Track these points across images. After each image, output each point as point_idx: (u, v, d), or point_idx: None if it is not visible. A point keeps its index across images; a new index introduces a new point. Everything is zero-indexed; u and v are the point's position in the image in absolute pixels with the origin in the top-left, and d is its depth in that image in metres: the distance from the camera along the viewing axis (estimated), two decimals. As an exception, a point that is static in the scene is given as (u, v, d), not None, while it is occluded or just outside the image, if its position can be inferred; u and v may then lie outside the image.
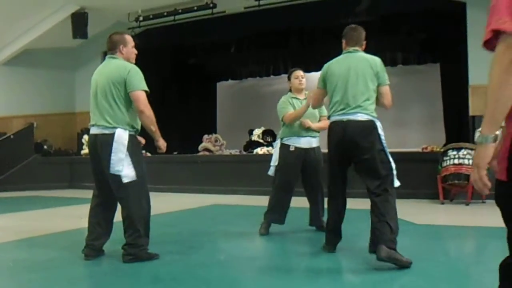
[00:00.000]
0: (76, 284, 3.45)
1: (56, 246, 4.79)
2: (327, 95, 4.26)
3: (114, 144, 3.92)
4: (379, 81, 3.99)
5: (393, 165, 3.88)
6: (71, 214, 6.97)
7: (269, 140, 11.33)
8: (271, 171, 5.29)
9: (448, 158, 7.46)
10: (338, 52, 4.31)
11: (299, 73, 5.30)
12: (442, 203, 7.52)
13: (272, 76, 14.46)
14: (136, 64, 4.15)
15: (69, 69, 14.08)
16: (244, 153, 11.22)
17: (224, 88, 16.03)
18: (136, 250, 3.98)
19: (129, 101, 3.99)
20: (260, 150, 10.59)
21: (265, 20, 11.59)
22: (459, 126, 10.22)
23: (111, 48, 4.19)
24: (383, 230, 3.63)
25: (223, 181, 9.99)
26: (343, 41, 4.22)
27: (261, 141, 11.49)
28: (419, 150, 9.26)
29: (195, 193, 9.96)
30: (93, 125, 4.09)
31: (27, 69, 13.13)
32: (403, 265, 3.57)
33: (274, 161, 5.26)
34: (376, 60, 4.05)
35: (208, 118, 15.33)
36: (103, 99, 4.02)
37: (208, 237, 5.15)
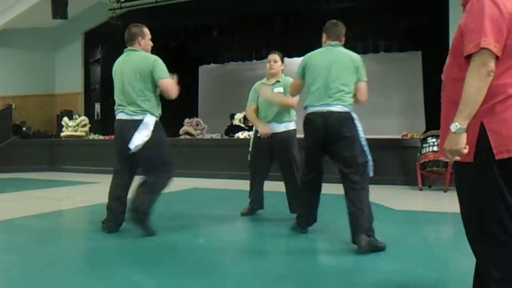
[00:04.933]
0: (53, 265, 3.43)
1: (34, 228, 4.76)
2: (305, 86, 4.31)
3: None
4: (358, 77, 4.08)
5: (370, 157, 3.98)
6: (50, 197, 6.91)
7: (250, 124, 11.30)
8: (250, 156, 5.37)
9: (427, 145, 7.54)
10: (321, 38, 4.30)
11: (271, 57, 5.21)
12: (421, 190, 7.61)
13: (254, 61, 14.40)
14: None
15: (48, 50, 13.87)
16: (225, 137, 11.21)
17: (206, 72, 15.92)
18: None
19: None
20: (241, 135, 10.58)
21: (248, 4, 11.51)
22: (439, 114, 10.28)
23: (130, 40, 4.42)
24: (361, 219, 3.72)
25: (204, 165, 9.97)
26: (324, 35, 4.27)
27: (242, 125, 11.48)
28: (399, 137, 9.33)
29: (176, 176, 9.85)
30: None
31: (5, 49, 12.89)
32: (380, 250, 3.68)
33: (250, 147, 5.36)
34: (357, 56, 4.14)
35: (190, 102, 15.22)
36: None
37: (188, 221, 5.15)
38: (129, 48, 4.43)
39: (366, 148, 3.99)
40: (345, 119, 3.99)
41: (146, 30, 4.49)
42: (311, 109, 4.12)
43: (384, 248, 3.72)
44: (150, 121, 4.27)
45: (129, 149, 4.18)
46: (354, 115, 4.03)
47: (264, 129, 5.06)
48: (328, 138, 4.02)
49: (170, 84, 4.36)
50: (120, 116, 4.39)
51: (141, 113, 4.27)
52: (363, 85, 4.11)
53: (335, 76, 4.02)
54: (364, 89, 4.12)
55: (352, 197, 3.84)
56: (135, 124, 4.23)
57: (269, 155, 5.20)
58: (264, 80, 5.28)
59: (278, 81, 5.15)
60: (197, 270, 3.33)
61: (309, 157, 4.24)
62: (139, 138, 4.18)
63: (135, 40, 4.40)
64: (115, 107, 4.45)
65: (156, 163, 4.37)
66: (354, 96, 4.11)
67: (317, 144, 4.11)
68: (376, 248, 3.67)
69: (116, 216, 4.41)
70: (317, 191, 4.30)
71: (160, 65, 4.28)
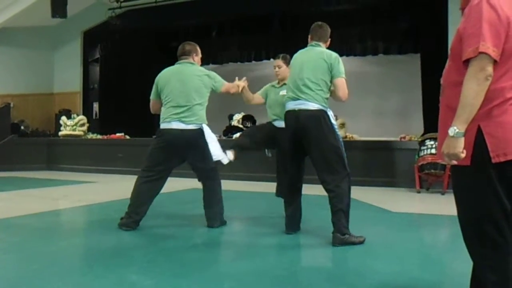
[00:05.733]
0: (50, 265, 3.42)
1: (31, 228, 4.75)
2: None
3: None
4: (332, 73, 4.13)
5: (344, 153, 4.10)
6: (47, 196, 6.90)
7: (249, 125, 11.32)
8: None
9: (425, 147, 7.54)
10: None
11: (275, 62, 5.30)
12: (418, 192, 7.61)
13: (253, 62, 14.40)
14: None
15: (47, 49, 13.88)
16: (224, 138, 11.20)
17: (205, 72, 15.91)
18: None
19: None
20: (239, 135, 10.57)
21: (247, 4, 11.52)
22: (437, 117, 10.27)
23: (183, 54, 4.79)
24: (338, 218, 3.96)
25: (202, 165, 9.93)
26: (309, 36, 4.40)
27: (240, 126, 11.47)
28: (397, 139, 9.34)
29: (174, 176, 9.82)
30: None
31: (4, 48, 12.88)
32: (357, 244, 3.95)
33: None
34: (331, 54, 4.19)
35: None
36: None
37: (186, 221, 5.16)
38: (185, 60, 4.76)
39: (342, 146, 4.10)
40: (318, 117, 4.07)
41: (198, 48, 4.89)
42: (287, 107, 4.30)
43: (361, 242, 3.99)
44: (208, 130, 4.68)
45: (183, 159, 4.84)
46: (330, 113, 4.13)
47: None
48: (301, 137, 4.15)
49: (227, 88, 5.05)
50: (173, 125, 4.59)
51: (198, 122, 4.62)
52: (339, 81, 4.14)
53: (305, 74, 4.14)
54: (340, 85, 4.14)
55: (330, 198, 4.04)
56: (192, 134, 4.60)
57: (267, 134, 5.28)
58: (274, 82, 5.38)
59: (285, 83, 5.13)
60: (194, 270, 3.33)
61: (288, 156, 4.41)
62: (217, 149, 4.71)
63: (189, 55, 4.79)
64: (168, 115, 4.62)
65: (208, 169, 4.87)
66: (332, 93, 4.20)
67: (292, 144, 4.27)
68: (353, 244, 3.93)
69: (136, 215, 4.60)
70: (296, 189, 4.42)
71: (218, 77, 4.94)
